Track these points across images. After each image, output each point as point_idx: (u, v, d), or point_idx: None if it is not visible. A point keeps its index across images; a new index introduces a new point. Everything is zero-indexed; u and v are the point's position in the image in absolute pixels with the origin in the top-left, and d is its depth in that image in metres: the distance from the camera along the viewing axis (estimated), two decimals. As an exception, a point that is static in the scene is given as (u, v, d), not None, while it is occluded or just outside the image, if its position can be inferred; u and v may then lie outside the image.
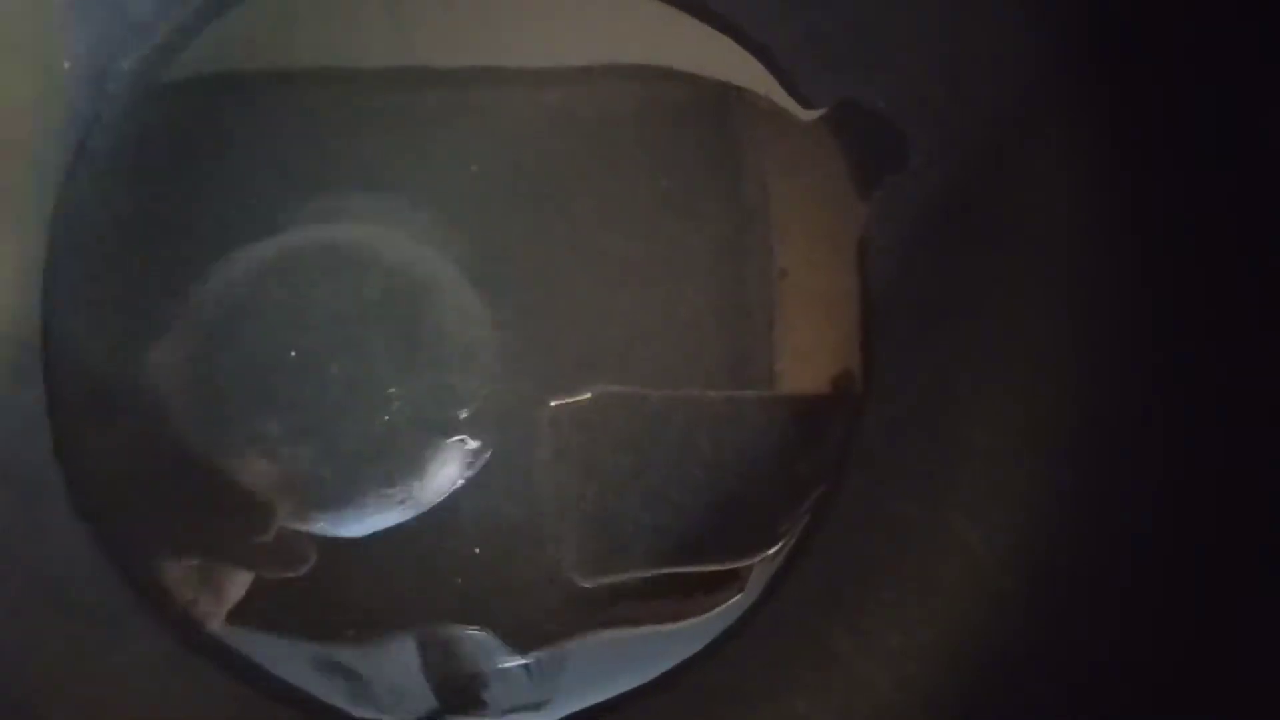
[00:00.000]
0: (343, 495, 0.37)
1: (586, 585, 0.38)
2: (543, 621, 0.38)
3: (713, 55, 0.40)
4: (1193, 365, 0.36)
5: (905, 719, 0.36)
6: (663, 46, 0.39)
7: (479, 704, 0.38)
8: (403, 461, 0.38)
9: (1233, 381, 0.35)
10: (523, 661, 0.38)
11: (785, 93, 0.39)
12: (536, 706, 0.38)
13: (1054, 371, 0.38)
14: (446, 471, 0.38)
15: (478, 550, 0.38)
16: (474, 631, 0.38)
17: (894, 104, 0.39)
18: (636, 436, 0.38)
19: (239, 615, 0.37)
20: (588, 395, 0.38)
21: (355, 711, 0.38)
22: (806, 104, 0.39)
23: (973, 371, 0.38)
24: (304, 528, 0.37)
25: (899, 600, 0.37)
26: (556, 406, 0.38)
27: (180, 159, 0.38)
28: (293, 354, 0.38)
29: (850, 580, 0.38)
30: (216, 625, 0.37)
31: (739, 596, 0.38)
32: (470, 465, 0.38)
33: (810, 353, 0.39)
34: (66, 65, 0.37)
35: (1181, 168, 0.36)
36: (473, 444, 0.38)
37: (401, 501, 0.38)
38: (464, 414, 0.38)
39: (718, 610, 0.38)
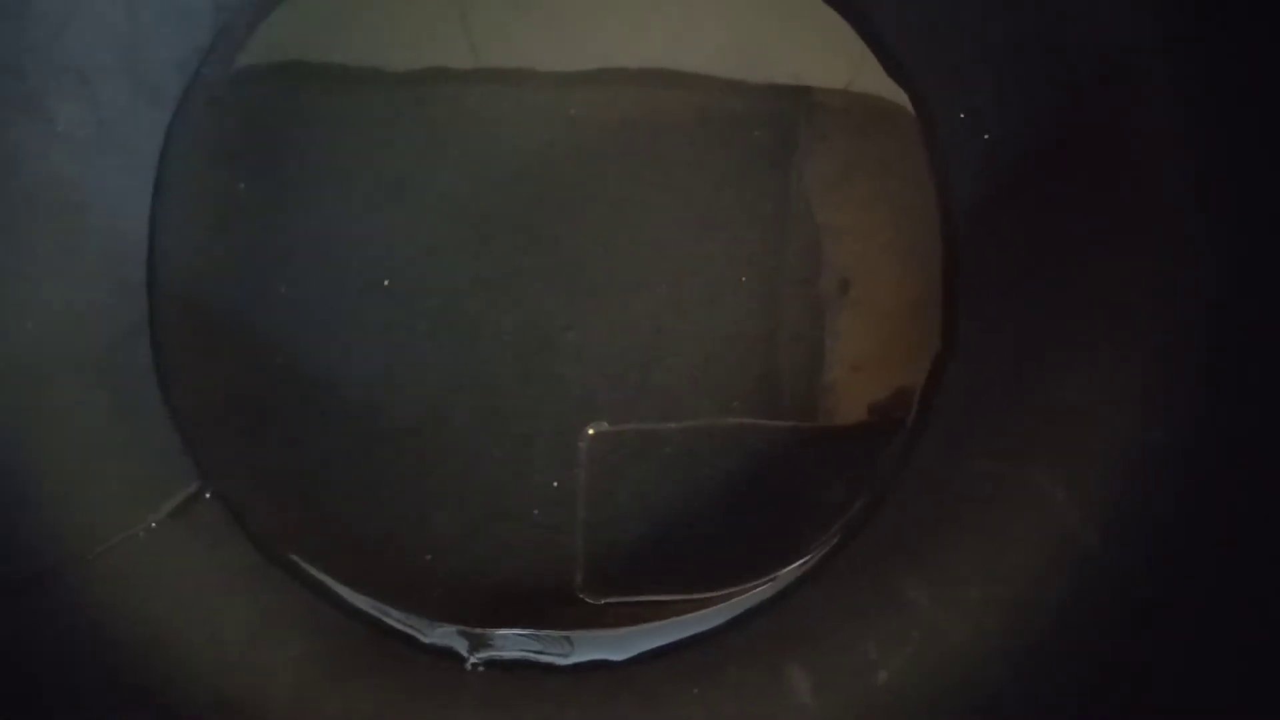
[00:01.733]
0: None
1: (595, 603, 0.38)
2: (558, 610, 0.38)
3: (798, 34, 0.40)
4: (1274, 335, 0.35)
5: (977, 670, 0.35)
6: (728, 41, 0.40)
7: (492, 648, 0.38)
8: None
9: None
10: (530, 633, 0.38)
11: (876, 63, 0.40)
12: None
13: (1141, 330, 0.37)
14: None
15: (555, 484, 0.38)
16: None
17: (985, 66, 0.39)
18: (667, 464, 0.38)
19: (314, 537, 0.38)
20: (624, 426, 0.38)
21: (421, 637, 0.38)
22: (897, 74, 0.40)
23: (1058, 330, 0.38)
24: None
25: (977, 553, 0.37)
26: (594, 435, 0.38)
27: (286, 109, 0.40)
28: (386, 282, 0.39)
29: (927, 532, 0.38)
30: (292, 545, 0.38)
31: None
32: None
33: (866, 369, 0.39)
34: (189, -4, 0.39)
35: (1274, 127, 0.36)
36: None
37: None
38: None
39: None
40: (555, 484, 0.38)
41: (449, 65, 0.40)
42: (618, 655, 0.38)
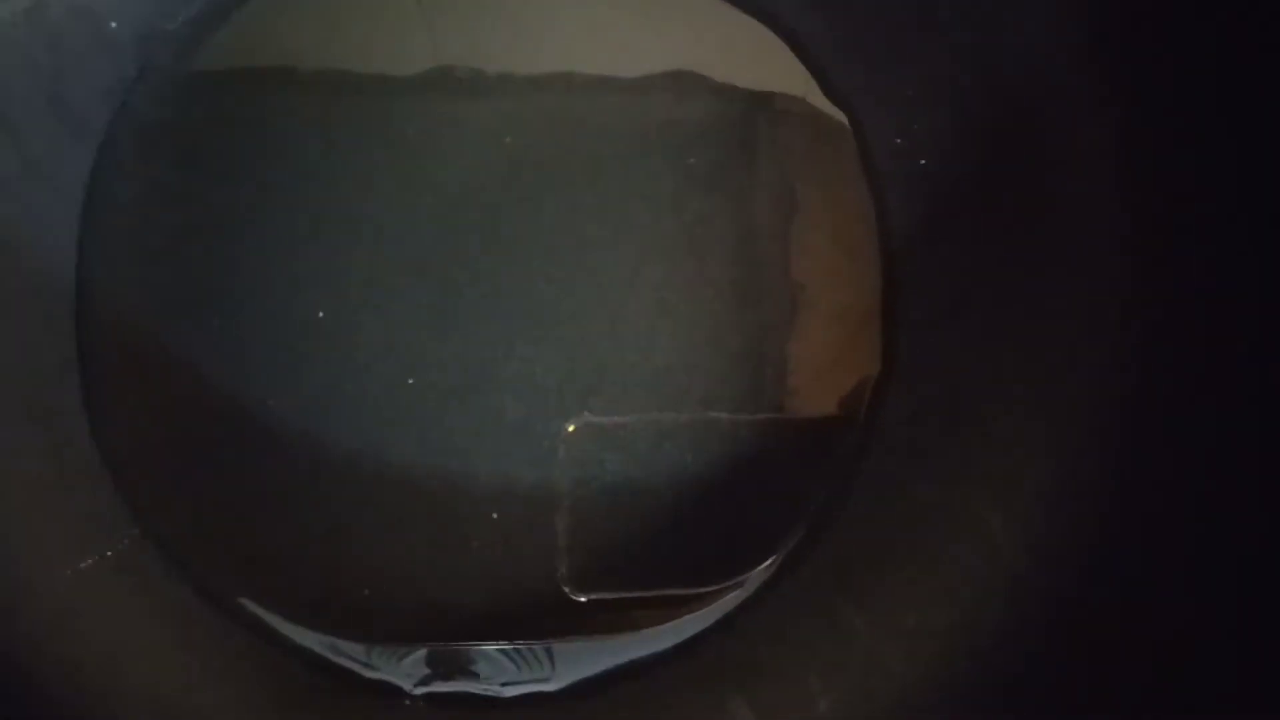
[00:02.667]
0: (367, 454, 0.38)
1: (579, 599, 0.38)
2: (537, 618, 0.38)
3: (742, 55, 0.40)
4: (1218, 356, 0.36)
5: (918, 697, 0.36)
6: (689, 49, 0.40)
7: (469, 675, 0.38)
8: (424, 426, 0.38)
9: (1263, 371, 0.35)
10: (508, 647, 0.38)
11: (816, 87, 0.40)
12: (541, 680, 0.38)
13: (1077, 358, 0.37)
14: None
15: (495, 516, 0.38)
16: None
17: (922, 94, 0.39)
18: (642, 459, 0.38)
19: (255, 575, 0.37)
20: (600, 419, 0.38)
21: (363, 672, 0.38)
22: (837, 97, 0.40)
23: (996, 358, 0.38)
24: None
25: (915, 580, 0.37)
26: (572, 430, 0.38)
27: (217, 137, 0.39)
28: (321, 314, 0.38)
29: (866, 560, 0.38)
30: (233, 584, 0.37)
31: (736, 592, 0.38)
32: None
33: (824, 369, 0.39)
34: (113, 25, 0.38)
35: (1203, 157, 0.36)
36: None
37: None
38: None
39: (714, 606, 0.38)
40: (495, 515, 0.38)
41: (383, 92, 0.39)
42: (556, 685, 0.38)
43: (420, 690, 0.38)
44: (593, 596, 0.38)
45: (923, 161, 0.39)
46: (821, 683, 0.36)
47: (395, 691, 0.38)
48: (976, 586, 0.37)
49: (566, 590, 0.38)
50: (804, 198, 0.40)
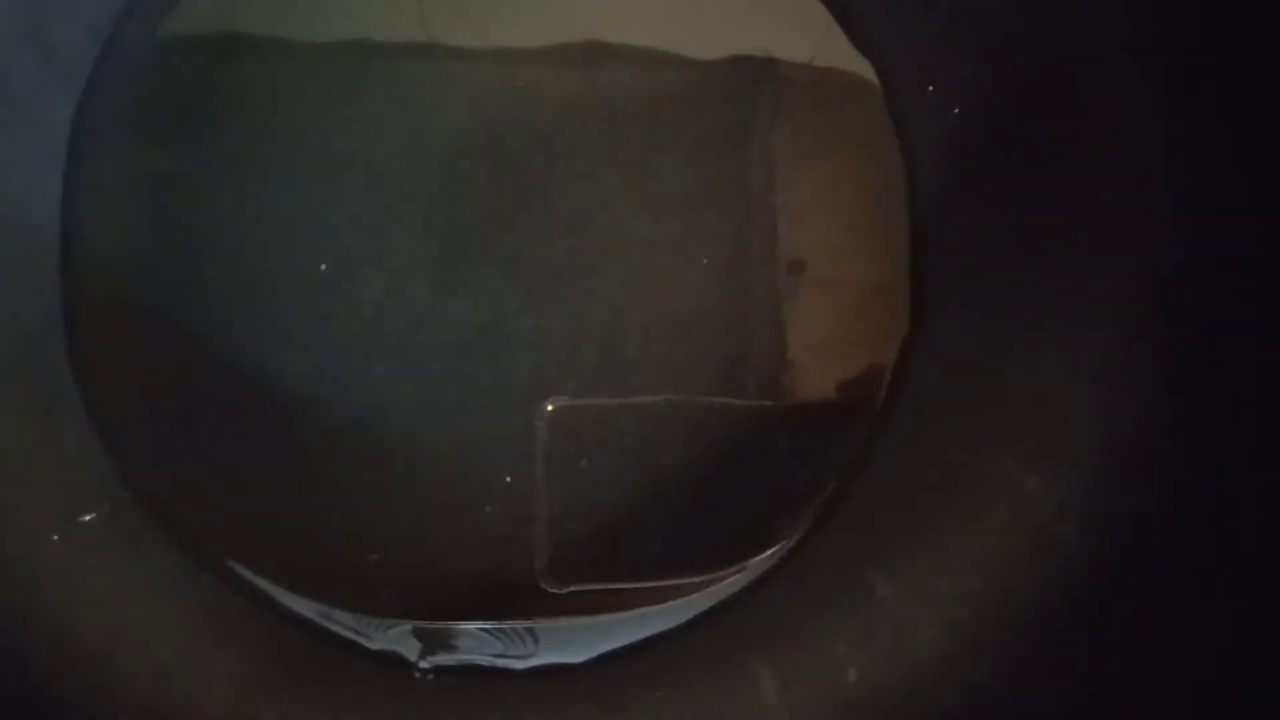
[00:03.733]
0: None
1: (556, 591, 0.36)
2: (526, 597, 0.36)
3: (765, 7, 0.38)
4: (1254, 312, 0.35)
5: (948, 665, 0.34)
6: (690, 16, 0.38)
7: (452, 650, 0.36)
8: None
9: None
10: (493, 626, 0.36)
11: (842, 36, 0.38)
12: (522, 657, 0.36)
13: (1113, 314, 0.36)
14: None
15: (509, 479, 0.36)
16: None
17: (953, 38, 0.38)
18: (627, 444, 0.37)
19: (247, 538, 0.36)
20: (582, 400, 0.36)
21: (366, 643, 0.36)
22: (864, 46, 0.38)
23: (1028, 313, 0.37)
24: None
25: (946, 545, 0.36)
26: (552, 410, 0.36)
27: (209, 81, 0.37)
28: (323, 267, 0.36)
29: (895, 524, 0.36)
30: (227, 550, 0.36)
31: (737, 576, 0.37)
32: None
33: (832, 351, 0.38)
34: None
35: (1237, 111, 0.35)
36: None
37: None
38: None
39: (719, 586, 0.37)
40: (508, 479, 0.36)
41: (392, 38, 0.37)
42: (577, 657, 0.36)
43: (426, 664, 0.36)
44: (573, 588, 0.36)
45: (955, 110, 0.37)
46: (849, 650, 0.35)
47: (401, 663, 0.36)
48: (1009, 551, 0.35)
49: (542, 583, 0.36)
50: (825, 159, 0.38)
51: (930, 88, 0.38)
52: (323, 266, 0.36)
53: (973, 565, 0.35)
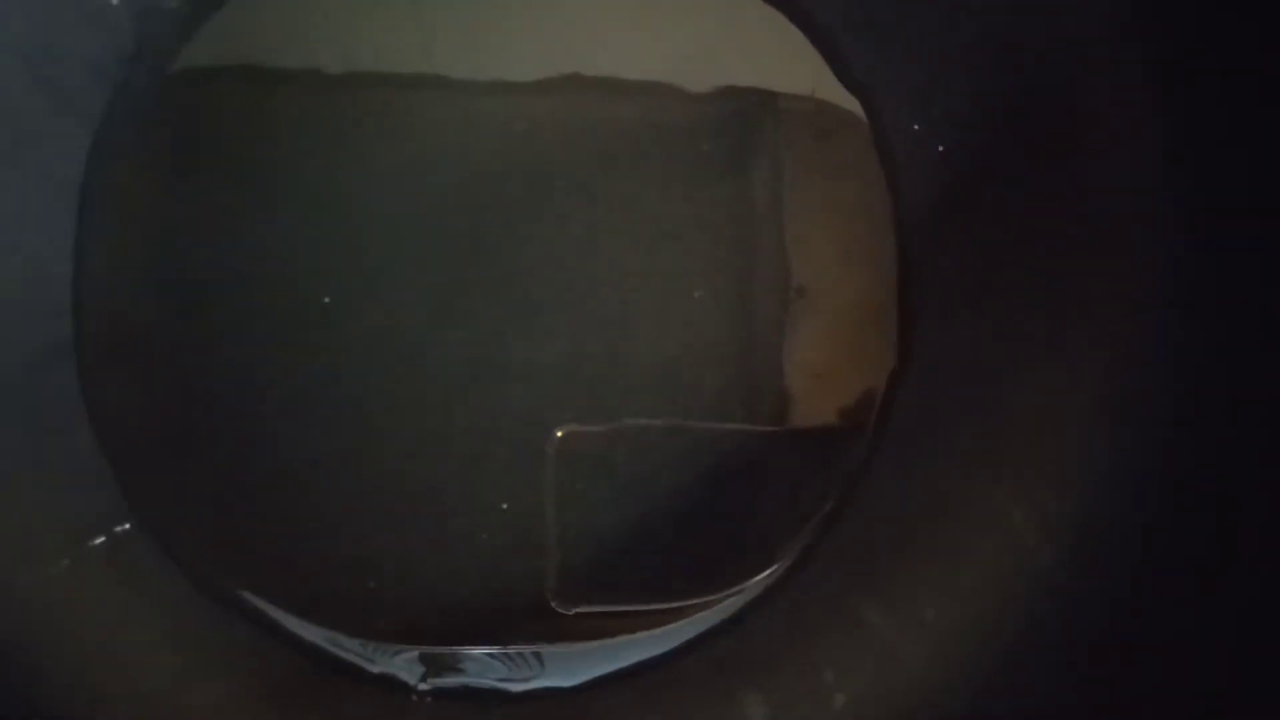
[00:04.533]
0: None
1: (565, 613, 0.37)
2: (529, 620, 0.37)
3: (755, 43, 0.39)
4: (1247, 344, 0.35)
5: (937, 692, 0.35)
6: (701, 38, 0.39)
7: (458, 673, 0.37)
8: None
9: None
10: (497, 651, 0.37)
11: (831, 74, 0.39)
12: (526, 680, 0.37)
13: (1098, 341, 0.37)
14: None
15: (505, 506, 0.37)
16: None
17: (940, 76, 0.38)
18: (632, 469, 0.37)
19: (251, 566, 0.37)
20: (592, 428, 0.37)
21: (366, 666, 0.37)
22: (852, 84, 0.39)
23: (1015, 342, 0.37)
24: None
25: (934, 575, 0.36)
26: (562, 436, 0.37)
27: (217, 121, 0.38)
28: (326, 300, 0.37)
29: (883, 552, 0.37)
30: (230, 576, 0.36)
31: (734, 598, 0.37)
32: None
33: (825, 378, 0.38)
34: (114, 1, 0.37)
35: (1238, 138, 0.35)
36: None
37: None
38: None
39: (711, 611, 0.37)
40: (505, 505, 0.37)
41: (393, 72, 0.38)
42: (568, 681, 0.37)
43: (425, 686, 0.37)
44: (581, 610, 0.37)
45: (941, 148, 0.38)
46: (837, 677, 0.36)
47: (400, 687, 0.37)
48: (999, 583, 0.36)
49: (553, 605, 0.37)
50: (815, 191, 0.39)
51: (916, 125, 0.38)
52: (325, 299, 0.37)
53: (959, 595, 0.36)
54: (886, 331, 0.38)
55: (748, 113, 0.39)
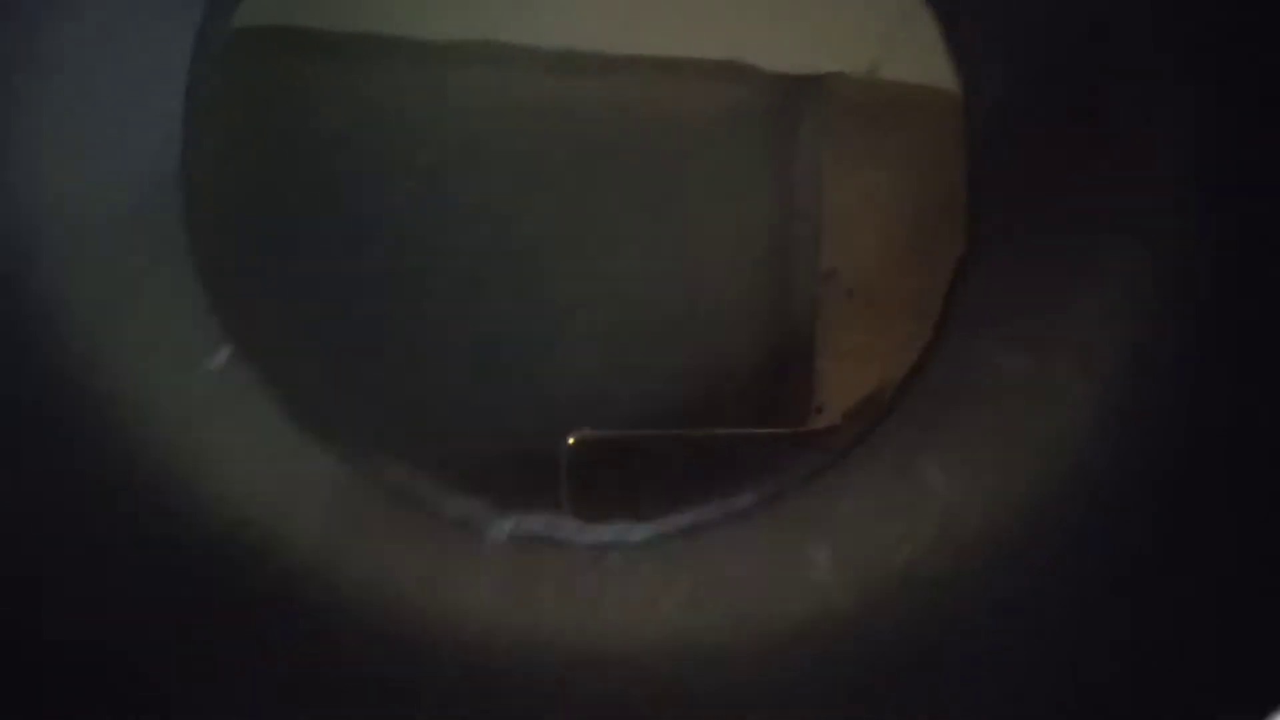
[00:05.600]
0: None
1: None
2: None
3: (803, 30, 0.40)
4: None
5: (998, 553, 0.36)
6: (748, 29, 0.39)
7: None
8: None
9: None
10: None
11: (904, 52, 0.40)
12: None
13: (1164, 237, 0.38)
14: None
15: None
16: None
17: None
18: (652, 477, 0.39)
19: (347, 402, 0.38)
20: (607, 432, 0.38)
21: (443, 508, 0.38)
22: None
23: (1080, 237, 0.39)
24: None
25: (996, 444, 0.38)
26: (574, 443, 0.38)
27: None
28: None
29: (947, 421, 0.38)
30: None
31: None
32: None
33: (853, 363, 0.40)
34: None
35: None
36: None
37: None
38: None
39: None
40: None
41: (426, 39, 0.38)
42: (637, 536, 0.38)
43: (500, 530, 0.38)
44: None
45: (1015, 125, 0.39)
46: (902, 534, 0.37)
47: (475, 529, 0.38)
48: (1057, 453, 0.37)
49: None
50: (871, 170, 0.40)
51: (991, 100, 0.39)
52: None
53: (1022, 462, 0.37)
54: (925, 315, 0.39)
55: (804, 92, 0.39)
